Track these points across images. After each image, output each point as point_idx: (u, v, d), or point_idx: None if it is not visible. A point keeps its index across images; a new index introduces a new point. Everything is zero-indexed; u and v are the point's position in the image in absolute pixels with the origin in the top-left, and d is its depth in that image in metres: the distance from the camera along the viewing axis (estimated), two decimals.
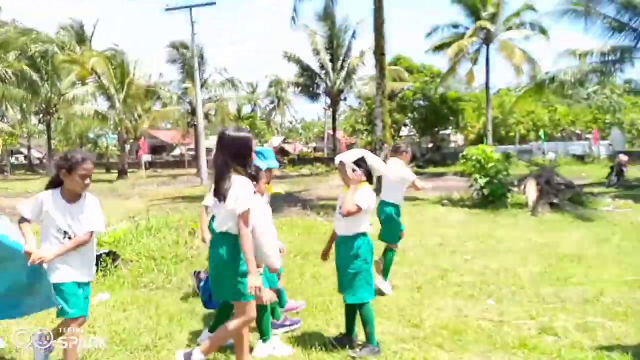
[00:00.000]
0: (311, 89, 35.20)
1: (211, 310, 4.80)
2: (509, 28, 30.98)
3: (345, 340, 3.87)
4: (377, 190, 4.25)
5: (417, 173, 27.44)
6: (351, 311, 3.89)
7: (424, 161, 36.59)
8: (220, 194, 3.13)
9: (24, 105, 33.25)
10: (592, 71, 19.65)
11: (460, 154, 13.20)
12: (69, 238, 3.18)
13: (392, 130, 32.93)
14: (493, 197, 11.79)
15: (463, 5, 30.76)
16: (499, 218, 10.59)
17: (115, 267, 6.07)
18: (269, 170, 4.07)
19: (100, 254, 5.99)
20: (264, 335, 3.78)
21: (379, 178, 5.12)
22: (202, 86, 31.65)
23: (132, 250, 6.64)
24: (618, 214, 10.67)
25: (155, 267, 6.24)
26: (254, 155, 3.33)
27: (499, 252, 7.41)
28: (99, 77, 30.12)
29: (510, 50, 28.90)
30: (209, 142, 48.61)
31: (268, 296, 3.58)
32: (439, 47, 31.73)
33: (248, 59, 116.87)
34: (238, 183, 3.11)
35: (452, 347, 3.85)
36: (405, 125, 40.02)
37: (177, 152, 55.89)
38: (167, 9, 24.67)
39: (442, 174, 27.90)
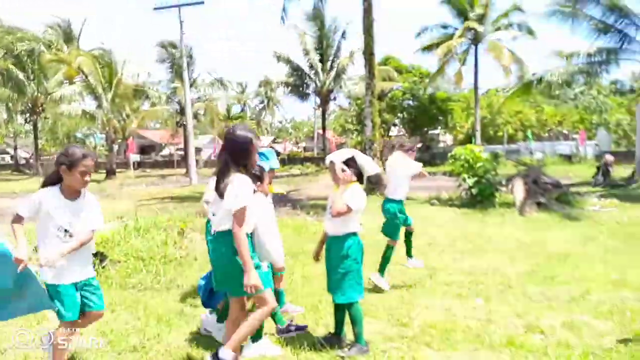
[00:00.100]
0: (301, 88, 35.16)
1: (201, 312, 4.79)
2: (497, 29, 31.19)
3: (334, 339, 3.88)
4: (368, 190, 4.27)
5: None
6: (340, 311, 3.90)
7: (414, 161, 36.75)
8: (219, 192, 3.17)
9: (10, 104, 32.86)
10: (578, 72, 19.89)
11: (449, 154, 13.28)
12: (70, 236, 3.15)
13: (381, 130, 33.10)
14: (481, 196, 11.87)
15: (452, 6, 30.93)
16: (487, 217, 10.67)
17: (103, 267, 6.02)
18: (271, 170, 4.10)
19: None
20: (254, 335, 3.77)
21: (369, 178, 5.15)
22: (191, 86, 31.49)
23: (120, 250, 6.59)
24: (604, 213, 10.79)
25: (143, 267, 6.20)
26: (254, 157, 3.31)
27: (487, 251, 7.47)
28: (86, 77, 29.83)
29: (499, 51, 29.10)
30: (198, 141, 48.54)
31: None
32: (428, 48, 31.85)
33: (238, 59, 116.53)
34: (237, 182, 3.12)
35: (440, 346, 3.88)
36: (394, 125, 40.11)
37: (166, 152, 55.48)
38: (155, 8, 24.49)
39: (431, 174, 28.05)
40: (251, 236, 3.30)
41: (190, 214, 9.02)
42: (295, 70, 34.34)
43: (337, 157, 3.87)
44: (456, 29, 31.09)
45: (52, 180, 3.21)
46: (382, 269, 5.49)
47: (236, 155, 3.20)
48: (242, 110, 61.00)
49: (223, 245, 3.19)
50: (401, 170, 5.51)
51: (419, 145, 40.07)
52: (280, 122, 69.69)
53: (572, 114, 44.59)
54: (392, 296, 5.21)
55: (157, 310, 4.77)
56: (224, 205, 3.14)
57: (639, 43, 19.03)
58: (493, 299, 5.05)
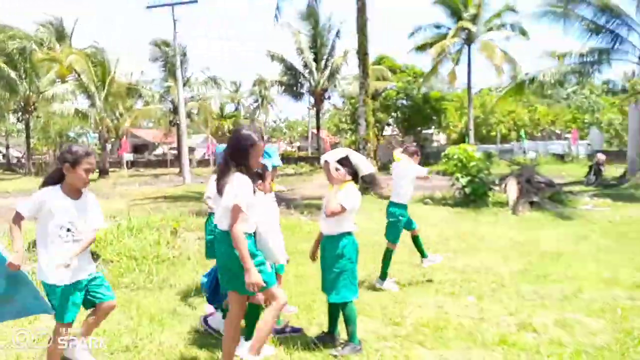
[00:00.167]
0: (295, 88, 35.10)
1: (194, 311, 4.78)
2: (490, 29, 31.32)
3: (327, 338, 3.88)
4: (362, 190, 4.26)
5: None
6: (334, 310, 3.90)
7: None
8: (218, 190, 3.18)
9: (2, 103, 32.57)
10: (571, 72, 20.02)
11: (443, 154, 13.33)
12: (72, 235, 3.14)
13: (375, 129, 33.13)
14: (475, 196, 11.92)
15: (445, 6, 31.02)
16: (480, 217, 10.71)
17: (96, 267, 5.97)
18: (274, 168, 4.08)
19: None
20: (249, 334, 3.76)
21: (363, 177, 5.15)
22: (184, 84, 31.34)
23: (113, 250, 6.55)
24: (596, 212, 10.87)
25: (136, 267, 6.17)
26: (256, 158, 3.27)
27: (480, 250, 7.50)
28: (78, 75, 29.62)
29: (492, 51, 29.23)
30: (192, 141, 48.37)
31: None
32: (422, 47, 31.94)
33: (233, 58, 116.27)
34: (236, 181, 3.11)
35: (433, 344, 3.88)
36: (388, 124, 40.16)
37: (159, 151, 55.25)
38: (148, 7, 24.35)
39: None
40: (254, 235, 3.29)
41: (184, 214, 8.99)
42: (289, 69, 34.27)
43: (331, 157, 3.86)
44: (449, 28, 31.18)
45: (53, 179, 3.20)
46: (383, 273, 5.50)
47: (237, 154, 3.19)
48: (236, 109, 60.78)
49: (224, 244, 3.17)
50: (406, 174, 5.49)
51: (413, 144, 40.18)
52: (275, 122, 69.46)
53: (565, 113, 44.89)
54: (386, 295, 5.21)
55: (150, 310, 4.75)
56: (222, 203, 3.15)
57: (631, 43, 19.18)
58: (486, 298, 5.06)
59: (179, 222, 7.75)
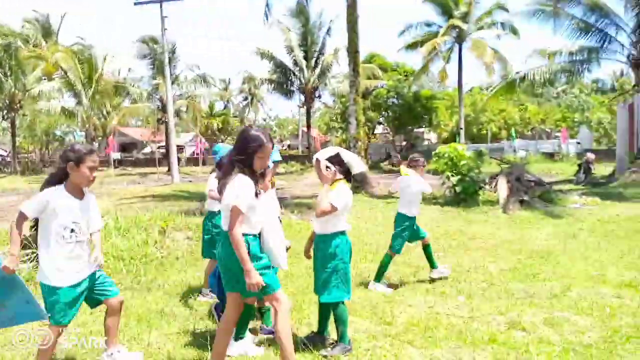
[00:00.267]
0: (285, 86, 34.99)
1: (182, 312, 4.73)
2: (481, 27, 31.46)
3: (317, 339, 3.85)
4: (353, 189, 4.21)
5: (391, 171, 27.51)
6: (325, 310, 3.86)
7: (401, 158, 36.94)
8: (219, 189, 3.15)
9: None
10: (561, 71, 20.16)
11: (433, 152, 13.36)
12: (75, 235, 3.13)
13: (366, 128, 33.16)
14: (465, 194, 11.94)
15: (436, 4, 31.09)
16: (470, 215, 10.74)
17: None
18: (274, 164, 4.04)
19: None
20: (238, 334, 3.72)
21: (354, 176, 5.13)
22: (173, 82, 31.13)
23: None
24: (585, 210, 10.94)
25: (123, 267, 6.10)
26: (263, 159, 3.21)
27: (470, 249, 7.51)
28: (65, 73, 29.28)
29: (482, 49, 29.34)
30: (180, 139, 48.10)
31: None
32: (412, 46, 32.01)
33: (222, 55, 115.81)
34: (238, 182, 3.07)
35: (423, 343, 3.87)
36: (379, 123, 40.24)
37: (147, 149, 54.87)
38: (136, 4, 24.08)
39: None
40: (259, 237, 3.24)
41: (172, 213, 8.91)
42: (280, 67, 34.14)
43: (321, 155, 3.82)
44: (440, 26, 31.28)
45: (56, 179, 3.16)
46: (378, 276, 5.49)
47: (244, 155, 3.13)
48: (225, 107, 60.54)
49: (225, 245, 3.12)
50: (415, 188, 5.56)
51: (404, 143, 40.33)
52: (264, 120, 69.31)
53: (555, 112, 45.33)
54: (377, 295, 5.19)
55: (138, 311, 4.70)
56: (222, 203, 3.12)
57: (619, 43, 19.36)
58: (476, 297, 5.06)
59: (167, 221, 7.69)
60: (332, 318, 3.82)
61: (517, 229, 9.07)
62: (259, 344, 3.90)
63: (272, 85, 35.42)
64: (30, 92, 31.05)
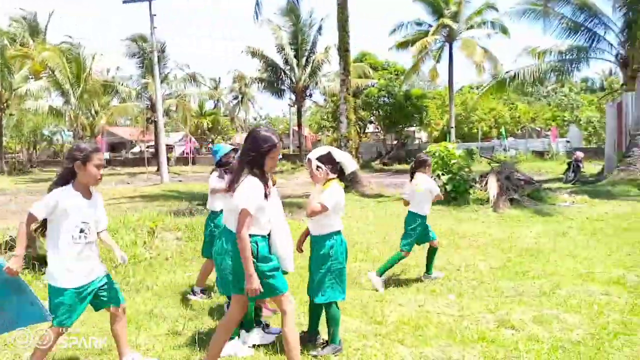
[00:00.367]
0: (276, 84, 34.87)
1: (171, 313, 4.69)
2: (471, 26, 31.58)
3: (307, 338, 3.83)
4: (345, 187, 4.17)
5: (382, 170, 27.51)
6: (317, 310, 3.85)
7: (389, 158, 37.00)
8: (229, 188, 3.13)
9: None
10: (550, 70, 20.30)
11: (424, 151, 13.39)
12: (85, 236, 3.12)
13: (357, 127, 33.19)
14: (455, 193, 11.98)
15: (426, 3, 31.16)
16: (461, 214, 10.78)
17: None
18: None
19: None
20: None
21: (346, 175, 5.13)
22: (162, 81, 30.92)
23: None
24: (574, 209, 11.02)
25: (112, 268, 6.03)
26: (273, 160, 3.20)
27: (461, 247, 7.53)
28: (52, 72, 28.94)
29: (472, 49, 29.48)
30: (170, 139, 47.81)
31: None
32: (403, 45, 32.06)
33: (212, 54, 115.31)
34: (247, 183, 3.04)
35: (413, 342, 3.87)
36: (370, 122, 40.30)
37: (136, 149, 54.50)
38: (124, 2, 23.87)
39: (406, 171, 28.18)
40: (267, 238, 3.21)
41: (161, 213, 8.85)
42: (270, 65, 34.03)
43: (313, 154, 3.78)
44: (430, 26, 31.36)
45: (63, 179, 3.16)
46: (381, 270, 5.50)
47: (254, 156, 3.10)
48: (216, 106, 60.31)
49: (233, 247, 3.09)
50: (428, 188, 5.60)
51: (395, 142, 40.42)
52: (255, 119, 69.12)
53: (545, 111, 45.66)
54: (367, 294, 5.19)
55: (126, 312, 4.63)
56: (232, 205, 3.08)
57: (608, 42, 19.54)
58: (466, 295, 5.07)
59: (156, 222, 7.62)
60: (323, 319, 3.80)
61: (507, 228, 9.12)
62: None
63: (263, 84, 35.28)
64: (17, 91, 30.65)
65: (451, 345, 3.81)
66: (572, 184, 16.96)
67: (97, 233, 3.30)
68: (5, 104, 32.78)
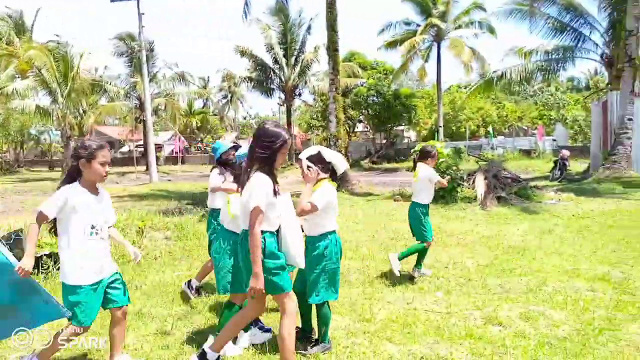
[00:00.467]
0: (265, 84, 34.75)
1: (160, 312, 4.67)
2: (459, 26, 31.75)
3: (300, 335, 3.83)
4: (337, 186, 4.18)
5: (371, 169, 27.58)
6: (309, 310, 3.86)
7: (378, 157, 37.12)
8: (239, 186, 3.14)
9: None
10: (537, 69, 20.51)
11: (412, 150, 13.44)
12: (96, 233, 3.13)
13: (346, 126, 33.21)
14: (443, 191, 12.03)
15: (414, 3, 31.27)
16: (449, 212, 10.85)
17: (58, 269, 5.78)
18: None
19: (41, 256, 5.72)
20: (219, 330, 3.68)
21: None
22: (151, 80, 30.72)
23: None
24: (561, 206, 11.14)
25: None
26: (283, 156, 3.19)
27: (449, 245, 7.59)
28: (39, 71, 28.57)
29: (460, 48, 29.65)
30: (159, 138, 47.49)
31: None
32: (392, 44, 32.13)
33: (201, 53, 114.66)
34: (256, 180, 3.03)
35: (401, 339, 3.90)
36: (360, 121, 40.34)
37: (125, 148, 54.05)
38: (112, 0, 23.69)
39: (395, 170, 28.39)
40: (276, 234, 3.20)
41: (150, 213, 8.80)
42: (259, 65, 33.92)
43: (304, 154, 3.78)
44: (419, 25, 31.46)
45: (70, 177, 3.17)
46: (403, 254, 5.63)
47: (264, 152, 3.07)
48: (205, 105, 60.04)
49: (246, 244, 3.08)
50: (427, 176, 5.66)
51: (384, 141, 40.53)
52: (244, 118, 68.88)
53: (532, 110, 46.05)
54: (356, 292, 5.21)
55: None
56: (241, 202, 3.09)
57: (593, 42, 19.78)
58: (454, 293, 5.12)
59: (145, 221, 7.59)
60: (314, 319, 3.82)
61: (495, 225, 9.20)
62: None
63: (252, 83, 35.12)
64: (3, 91, 30.20)
65: (439, 342, 3.85)
66: (559, 181, 17.15)
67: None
68: None
